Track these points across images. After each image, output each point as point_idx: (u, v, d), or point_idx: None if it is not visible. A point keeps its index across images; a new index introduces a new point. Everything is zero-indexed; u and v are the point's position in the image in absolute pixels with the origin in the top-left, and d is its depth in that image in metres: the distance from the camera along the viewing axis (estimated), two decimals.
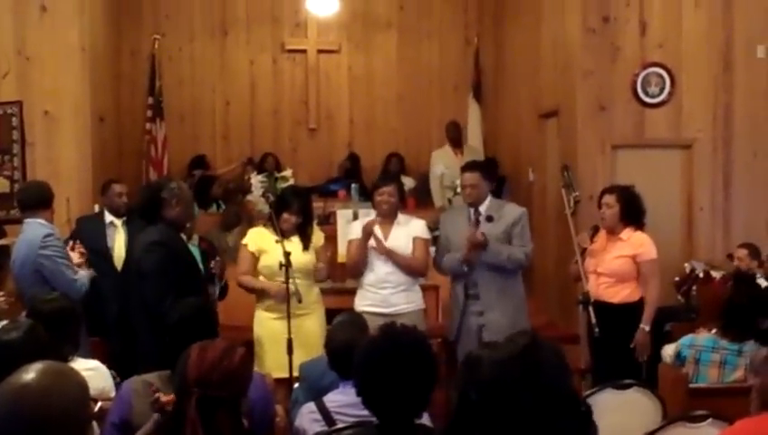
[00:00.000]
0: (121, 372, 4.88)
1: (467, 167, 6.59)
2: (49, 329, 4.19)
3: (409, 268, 6.34)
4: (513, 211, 6.40)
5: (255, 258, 6.31)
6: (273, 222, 6.29)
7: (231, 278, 6.54)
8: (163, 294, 5.12)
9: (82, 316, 5.07)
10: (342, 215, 8.30)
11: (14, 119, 8.46)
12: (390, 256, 6.29)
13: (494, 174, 6.48)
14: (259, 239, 6.34)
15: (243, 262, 6.39)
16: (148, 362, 4.48)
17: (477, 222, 6.26)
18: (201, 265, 6.25)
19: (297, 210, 6.28)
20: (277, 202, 6.49)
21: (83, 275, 6.21)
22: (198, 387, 2.90)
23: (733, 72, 8.73)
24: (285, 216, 6.27)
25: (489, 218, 6.25)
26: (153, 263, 5.40)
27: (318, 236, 6.47)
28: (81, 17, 8.67)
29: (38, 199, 6.25)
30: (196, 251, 6.43)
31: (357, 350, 3.19)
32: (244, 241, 6.45)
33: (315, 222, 6.75)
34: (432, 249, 6.78)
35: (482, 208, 6.32)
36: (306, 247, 6.31)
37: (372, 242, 6.31)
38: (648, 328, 6.24)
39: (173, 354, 3.43)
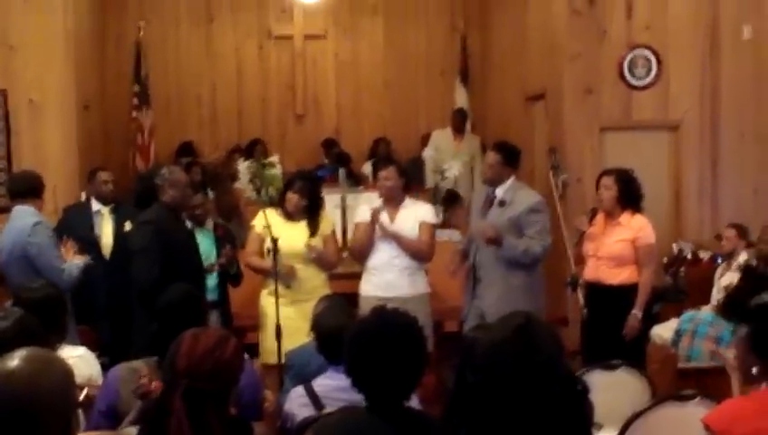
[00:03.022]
0: (112, 359, 4.87)
1: (492, 145, 6.55)
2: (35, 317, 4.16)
3: (414, 252, 6.29)
4: (527, 198, 6.24)
5: (262, 239, 6.29)
6: (280, 204, 6.35)
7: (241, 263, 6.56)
8: (148, 269, 5.22)
9: (69, 304, 5.05)
10: (330, 200, 8.27)
11: None
12: (396, 239, 6.25)
13: (515, 161, 6.34)
14: (265, 221, 6.32)
15: (250, 243, 6.41)
16: (143, 348, 4.48)
17: (489, 205, 6.21)
18: (215, 250, 6.41)
19: (301, 191, 6.25)
20: (284, 184, 6.52)
21: (74, 264, 6.17)
22: (187, 378, 2.83)
23: (719, 54, 8.73)
24: (288, 195, 6.28)
25: (501, 203, 6.18)
26: (140, 239, 5.57)
27: (327, 223, 6.45)
28: (65, 4, 8.60)
29: (28, 188, 6.24)
30: (210, 236, 6.49)
31: (346, 332, 3.19)
32: (253, 222, 6.48)
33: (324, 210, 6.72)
34: (440, 232, 6.70)
35: (498, 191, 6.23)
36: (313, 233, 6.29)
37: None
38: (640, 314, 6.15)
39: (161, 341, 3.40)
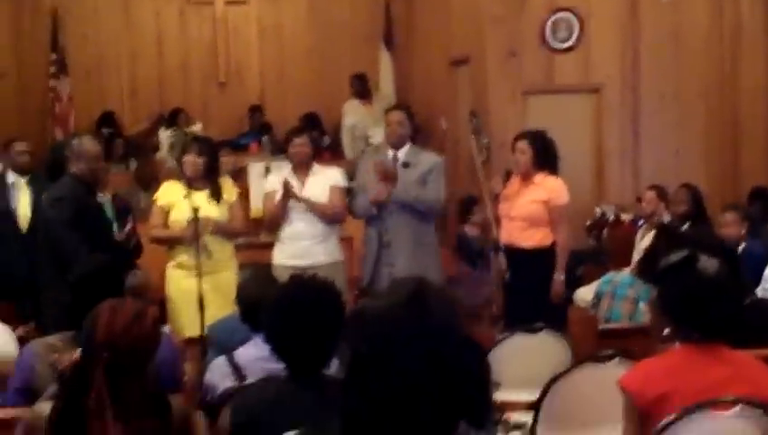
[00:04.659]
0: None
1: (394, 106, 6.56)
2: None
3: (325, 215, 6.26)
4: (429, 159, 6.31)
5: (166, 213, 6.16)
6: (182, 175, 6.19)
7: (144, 236, 6.40)
8: (77, 247, 5.09)
9: None
10: (254, 168, 8.19)
11: None
12: (306, 204, 6.22)
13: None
14: (169, 193, 6.20)
15: (154, 216, 6.26)
16: (57, 322, 4.40)
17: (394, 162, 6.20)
18: (115, 222, 6.19)
19: (198, 152, 6.11)
20: (181, 150, 6.40)
21: None
22: (107, 352, 2.77)
23: (639, 17, 8.80)
24: (186, 158, 6.14)
25: (405, 165, 6.18)
26: (62, 218, 5.41)
27: (230, 191, 6.34)
28: None
29: None
30: (108, 207, 6.32)
31: (266, 300, 3.18)
32: (156, 196, 6.32)
33: (227, 176, 6.63)
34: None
35: (400, 153, 6.23)
36: (217, 201, 6.19)
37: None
38: (562, 277, 6.19)
39: (77, 314, 3.32)
